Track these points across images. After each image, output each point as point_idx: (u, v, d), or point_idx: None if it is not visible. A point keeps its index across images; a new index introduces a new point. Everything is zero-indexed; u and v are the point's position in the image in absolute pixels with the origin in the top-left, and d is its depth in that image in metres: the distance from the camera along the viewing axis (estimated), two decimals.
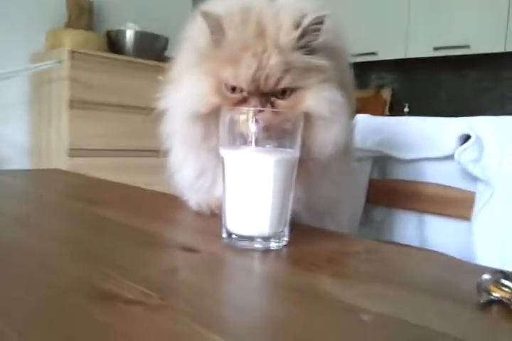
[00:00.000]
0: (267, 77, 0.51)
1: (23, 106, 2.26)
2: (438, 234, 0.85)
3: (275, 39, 0.52)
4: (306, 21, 0.52)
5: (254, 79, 0.51)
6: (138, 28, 2.32)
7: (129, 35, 2.27)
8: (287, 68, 0.52)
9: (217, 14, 0.53)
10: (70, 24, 2.23)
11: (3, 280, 0.37)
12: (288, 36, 0.52)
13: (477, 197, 0.77)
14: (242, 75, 0.51)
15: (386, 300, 0.36)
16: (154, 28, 2.38)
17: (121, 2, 2.55)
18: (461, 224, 0.81)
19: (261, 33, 0.52)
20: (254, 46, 0.51)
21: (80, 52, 2.02)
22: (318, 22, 0.52)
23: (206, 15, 0.53)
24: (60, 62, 1.99)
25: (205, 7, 0.59)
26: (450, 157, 0.81)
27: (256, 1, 0.56)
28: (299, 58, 0.53)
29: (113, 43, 2.29)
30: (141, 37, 2.29)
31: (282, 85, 0.52)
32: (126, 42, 2.27)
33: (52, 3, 2.28)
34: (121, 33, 2.28)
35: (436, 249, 0.83)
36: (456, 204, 0.81)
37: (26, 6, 2.22)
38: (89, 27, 2.29)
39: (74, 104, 2.00)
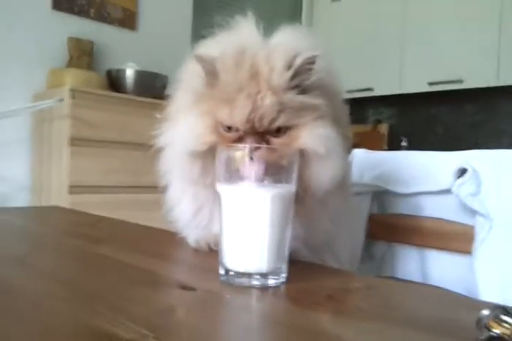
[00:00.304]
0: (261, 118, 0.52)
1: (24, 143, 2.28)
2: (440, 268, 0.84)
3: (268, 80, 0.53)
4: (297, 62, 0.53)
5: (249, 120, 0.52)
6: (138, 67, 2.37)
7: (129, 74, 2.32)
8: (281, 108, 0.53)
9: (211, 57, 0.55)
10: (72, 64, 2.28)
11: None
12: (281, 77, 0.53)
13: (476, 230, 0.77)
14: (237, 116, 0.52)
15: (386, 338, 0.36)
16: (154, 67, 2.44)
17: (121, 42, 2.62)
18: (463, 258, 0.80)
19: (254, 75, 0.53)
20: (248, 87, 0.53)
21: (80, 91, 2.05)
22: (310, 62, 0.54)
23: (200, 59, 0.55)
24: (61, 100, 2.03)
25: (201, 48, 0.61)
26: (448, 191, 0.81)
27: (250, 42, 0.58)
28: (293, 98, 0.53)
29: (113, 82, 2.34)
30: (141, 76, 2.34)
31: (276, 124, 0.53)
32: (127, 81, 2.31)
33: (54, 43, 2.34)
34: (121, 72, 2.32)
35: (439, 284, 0.81)
36: (456, 238, 0.81)
37: (28, 46, 2.28)
38: (90, 66, 2.34)
39: (74, 141, 2.02)
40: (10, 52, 2.23)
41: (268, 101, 0.52)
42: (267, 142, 0.53)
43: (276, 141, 0.54)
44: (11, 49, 2.23)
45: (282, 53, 0.55)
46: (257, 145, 0.52)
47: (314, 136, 0.54)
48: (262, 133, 0.53)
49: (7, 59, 2.22)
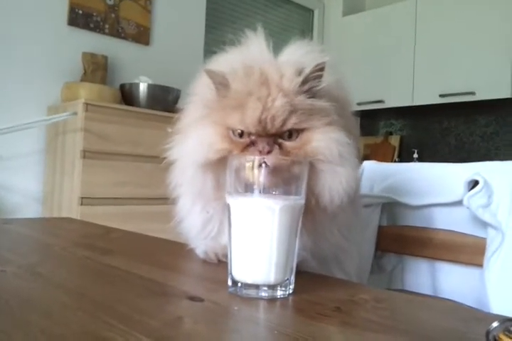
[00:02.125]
0: (272, 118, 0.52)
1: (38, 155, 2.31)
2: (450, 281, 0.83)
3: (279, 85, 0.54)
4: (307, 69, 0.54)
5: (261, 121, 0.52)
6: (150, 81, 2.40)
7: (142, 88, 2.35)
8: (292, 109, 0.53)
9: (221, 70, 0.56)
10: (86, 78, 2.32)
11: (4, 330, 0.37)
12: (291, 82, 0.54)
13: (488, 242, 0.76)
14: (249, 118, 0.53)
15: None
16: (166, 81, 2.47)
17: (134, 57, 2.67)
18: (474, 270, 0.79)
19: (265, 81, 0.54)
20: (259, 92, 0.53)
21: (94, 105, 2.09)
22: (319, 69, 0.55)
23: (210, 73, 0.56)
24: (74, 113, 2.06)
25: (212, 64, 0.62)
26: (459, 203, 0.80)
27: (259, 58, 0.59)
28: (303, 101, 0.54)
29: (126, 96, 2.37)
30: (154, 89, 2.37)
31: (288, 126, 0.53)
32: (139, 95, 2.35)
33: (69, 58, 2.39)
34: (134, 86, 2.36)
35: (450, 296, 0.80)
36: (468, 251, 0.80)
37: (44, 61, 2.33)
38: (104, 80, 2.38)
39: (87, 153, 2.05)
40: (26, 67, 2.27)
41: (279, 102, 0.52)
42: (279, 146, 0.53)
43: (288, 145, 0.54)
44: (28, 63, 2.28)
45: (292, 64, 0.56)
46: (269, 149, 0.52)
47: (327, 140, 0.54)
48: (274, 137, 0.53)
49: (23, 73, 2.26)
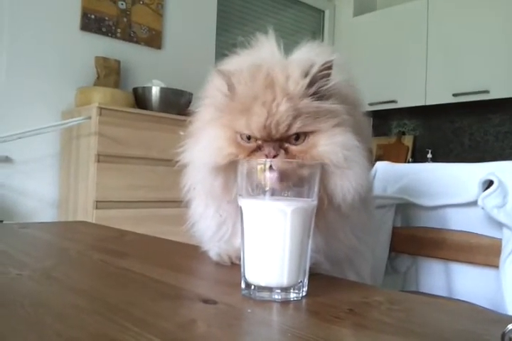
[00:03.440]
0: (277, 124, 0.52)
1: (52, 160, 2.34)
2: (466, 282, 0.82)
3: (284, 88, 0.54)
4: (314, 69, 0.54)
5: (266, 127, 0.53)
6: (163, 85, 2.42)
7: (155, 91, 2.37)
8: (297, 114, 0.53)
9: (228, 71, 0.56)
10: (99, 82, 2.35)
11: (19, 333, 0.37)
12: (297, 85, 0.54)
13: (503, 243, 0.75)
14: (254, 123, 0.53)
15: None
16: (179, 84, 2.49)
17: (147, 61, 2.69)
18: (489, 271, 0.78)
19: (270, 84, 0.54)
20: (264, 96, 0.53)
21: (107, 109, 2.11)
22: (327, 67, 0.54)
23: (219, 73, 0.56)
24: (88, 118, 2.08)
25: (223, 66, 0.63)
26: (474, 203, 0.80)
27: (268, 58, 0.59)
28: (309, 104, 0.54)
29: (139, 99, 2.39)
30: (166, 93, 2.39)
31: (293, 131, 0.53)
32: (152, 99, 2.36)
33: (82, 63, 2.41)
34: (147, 90, 2.37)
35: (465, 298, 0.80)
36: (483, 252, 0.79)
37: (58, 66, 2.36)
38: (117, 85, 2.40)
39: (101, 157, 2.07)
40: (40, 72, 2.31)
41: (283, 107, 0.52)
42: (285, 150, 0.54)
43: (294, 149, 0.54)
44: (42, 69, 2.31)
45: (298, 63, 0.56)
46: (274, 153, 0.52)
47: (333, 144, 0.53)
48: (281, 141, 0.54)
49: (38, 78, 2.29)
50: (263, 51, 0.62)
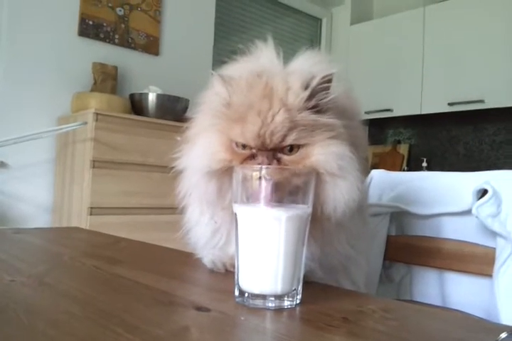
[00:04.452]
0: (271, 134, 0.53)
1: (48, 165, 2.33)
2: (460, 291, 0.82)
3: (283, 99, 0.54)
4: (314, 82, 0.54)
5: (260, 136, 0.53)
6: (160, 91, 2.42)
7: (152, 97, 2.37)
8: (292, 126, 0.53)
9: (229, 76, 0.57)
10: (96, 88, 2.35)
11: (12, 339, 0.37)
12: (297, 97, 0.54)
13: (497, 252, 0.75)
14: (248, 132, 0.53)
15: None
16: (176, 90, 2.49)
17: (144, 67, 2.69)
18: (483, 280, 0.78)
19: (268, 94, 0.54)
20: (259, 105, 0.54)
21: (104, 115, 2.10)
22: (327, 80, 0.55)
23: (220, 78, 0.57)
24: (84, 123, 2.08)
25: (221, 71, 0.63)
26: (468, 212, 0.80)
27: (268, 66, 0.60)
28: (306, 117, 0.54)
29: (136, 105, 2.39)
30: (163, 99, 2.39)
31: (288, 142, 0.53)
32: (149, 105, 2.36)
33: (79, 68, 2.42)
34: (143, 96, 2.38)
35: (459, 307, 0.80)
36: (477, 261, 0.79)
37: (55, 71, 2.36)
38: (114, 90, 2.40)
39: (96, 163, 2.06)
40: (37, 77, 2.31)
41: (279, 118, 0.53)
42: (278, 160, 0.54)
43: (287, 159, 0.54)
44: (39, 74, 2.31)
45: (299, 75, 0.56)
46: (267, 165, 0.52)
47: (326, 154, 0.54)
48: (274, 151, 0.54)
49: (34, 83, 2.29)
50: (262, 58, 0.63)
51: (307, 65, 0.61)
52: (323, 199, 0.54)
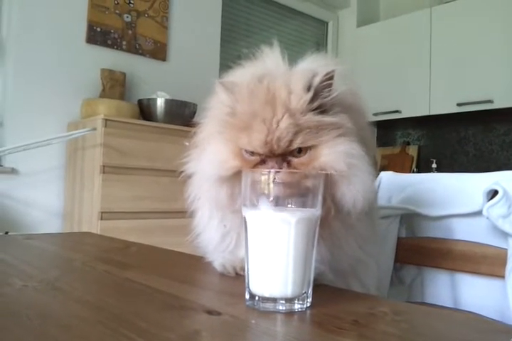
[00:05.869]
0: (278, 140, 0.53)
1: (58, 171, 2.36)
2: (472, 293, 0.82)
3: (285, 103, 0.54)
4: (317, 80, 0.54)
5: (267, 143, 0.53)
6: (168, 96, 2.44)
7: (160, 103, 2.38)
8: (298, 130, 0.53)
9: (231, 83, 0.57)
10: (104, 94, 2.37)
11: None
12: (300, 100, 0.54)
13: (509, 253, 0.75)
14: (255, 141, 0.54)
15: None
16: (183, 96, 2.50)
17: (152, 73, 2.71)
18: (495, 281, 0.77)
19: (270, 100, 0.54)
20: (264, 113, 0.54)
21: (113, 120, 2.12)
22: (328, 78, 0.55)
23: (222, 86, 0.57)
24: (94, 129, 2.10)
25: (227, 77, 0.63)
26: (479, 213, 0.79)
27: (273, 70, 0.60)
28: (311, 119, 0.54)
29: (144, 111, 2.41)
30: (171, 104, 2.40)
31: (295, 146, 0.53)
32: (157, 110, 2.38)
33: (88, 75, 2.44)
34: (152, 102, 2.39)
35: (471, 309, 0.79)
36: (489, 262, 0.79)
37: (64, 78, 2.38)
38: (122, 96, 2.42)
39: (106, 168, 2.08)
40: (47, 84, 2.33)
41: (283, 124, 0.53)
42: (288, 163, 0.54)
43: (297, 162, 0.54)
44: (48, 81, 2.34)
45: (300, 75, 0.56)
46: (277, 169, 0.52)
47: (335, 154, 0.54)
48: (283, 155, 0.54)
49: (44, 90, 2.32)
50: (268, 63, 0.63)
51: (313, 67, 0.61)
52: (340, 197, 0.54)
